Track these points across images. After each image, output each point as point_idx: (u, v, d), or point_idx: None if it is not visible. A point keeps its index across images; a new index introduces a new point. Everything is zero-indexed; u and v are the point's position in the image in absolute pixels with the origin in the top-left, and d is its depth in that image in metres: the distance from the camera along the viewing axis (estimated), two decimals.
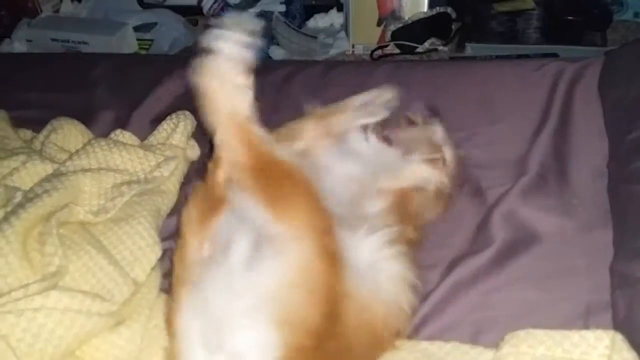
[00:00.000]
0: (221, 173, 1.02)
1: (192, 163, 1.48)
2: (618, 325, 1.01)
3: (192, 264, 0.98)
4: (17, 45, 2.51)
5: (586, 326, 1.02)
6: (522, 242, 1.20)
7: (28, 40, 2.52)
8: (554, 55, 2.15)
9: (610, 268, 1.10)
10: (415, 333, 1.07)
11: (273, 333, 0.86)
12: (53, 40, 2.46)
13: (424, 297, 1.12)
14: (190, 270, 0.97)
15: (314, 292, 0.87)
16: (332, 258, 0.90)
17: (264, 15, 2.64)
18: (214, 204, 1.01)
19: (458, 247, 1.23)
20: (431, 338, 1.06)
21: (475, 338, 1.06)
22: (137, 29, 2.59)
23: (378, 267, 1.01)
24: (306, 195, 0.93)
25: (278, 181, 0.93)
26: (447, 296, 1.13)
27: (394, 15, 2.53)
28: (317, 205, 0.93)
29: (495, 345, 0.97)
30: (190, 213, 1.03)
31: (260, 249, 0.91)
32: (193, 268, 0.97)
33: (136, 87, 1.71)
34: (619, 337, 0.90)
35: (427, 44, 2.52)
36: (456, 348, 1.02)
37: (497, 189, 1.31)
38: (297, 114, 1.44)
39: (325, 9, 2.74)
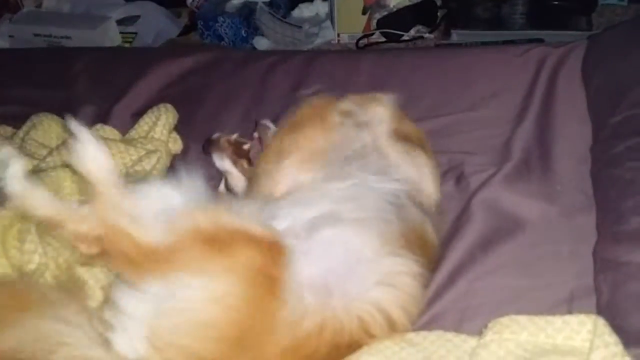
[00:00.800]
0: None
1: (175, 156, 1.46)
2: (601, 309, 1.01)
3: None
4: None
5: (570, 311, 1.02)
6: (505, 228, 1.19)
7: (10, 36, 2.49)
8: (540, 41, 2.15)
9: (593, 252, 1.10)
10: None
11: None
12: (36, 35, 2.44)
13: None
14: None
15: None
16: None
17: (248, 5, 2.62)
18: None
19: (443, 235, 1.22)
20: (417, 329, 1.05)
21: (459, 326, 1.05)
22: (120, 22, 2.57)
23: None
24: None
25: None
26: (435, 288, 1.12)
27: (379, 4, 2.52)
28: None
29: (479, 332, 0.97)
30: None
31: None
32: None
33: (117, 80, 1.70)
34: (601, 322, 0.90)
35: (412, 32, 2.51)
36: (440, 337, 1.02)
37: (480, 175, 1.31)
38: (281, 105, 1.45)
39: None
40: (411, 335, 1.03)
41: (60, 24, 2.48)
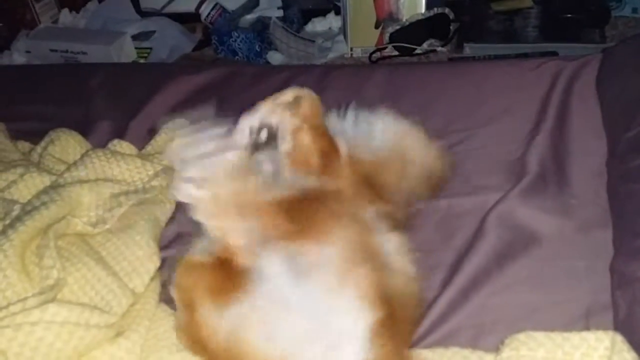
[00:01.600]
0: None
1: None
2: (619, 325, 1.00)
3: None
4: (17, 56, 2.52)
5: (587, 327, 1.01)
6: (521, 243, 1.19)
7: (27, 52, 2.53)
8: (553, 54, 2.15)
9: (610, 268, 1.09)
10: (417, 342, 1.06)
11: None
12: (52, 50, 2.47)
13: (427, 306, 1.11)
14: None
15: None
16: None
17: (262, 20, 2.64)
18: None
19: (458, 250, 1.22)
20: (433, 346, 1.05)
21: (475, 342, 1.05)
22: (135, 37, 2.60)
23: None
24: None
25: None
26: (449, 304, 1.11)
27: (392, 17, 2.53)
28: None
29: (496, 349, 0.97)
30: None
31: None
32: None
33: (133, 96, 1.71)
34: (619, 338, 0.90)
35: (425, 45, 2.52)
36: (457, 353, 1.01)
37: (495, 190, 1.30)
38: None
39: (323, 13, 2.74)
40: (427, 353, 1.03)
41: (76, 39, 2.51)
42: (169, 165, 1.38)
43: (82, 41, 2.48)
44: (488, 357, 0.99)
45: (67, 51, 2.46)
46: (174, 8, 2.79)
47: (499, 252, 1.18)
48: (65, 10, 2.74)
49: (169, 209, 1.33)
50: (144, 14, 2.79)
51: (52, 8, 2.71)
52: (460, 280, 1.15)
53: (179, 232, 1.30)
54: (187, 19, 2.78)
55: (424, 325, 1.08)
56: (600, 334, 0.91)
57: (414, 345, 1.05)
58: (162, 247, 1.25)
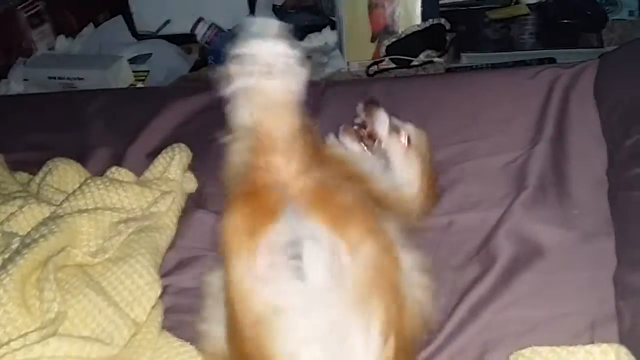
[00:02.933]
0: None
1: (190, 195, 1.47)
2: (623, 336, 0.99)
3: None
4: (14, 85, 2.52)
5: (592, 339, 1.00)
6: (525, 257, 1.18)
7: (25, 80, 2.53)
8: (551, 60, 2.14)
9: (614, 278, 1.08)
10: None
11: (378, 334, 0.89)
12: (50, 78, 2.48)
13: (437, 328, 1.10)
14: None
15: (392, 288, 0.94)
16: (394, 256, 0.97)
17: None
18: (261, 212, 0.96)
19: (463, 267, 1.21)
20: None
21: (482, 359, 1.04)
22: (132, 60, 2.60)
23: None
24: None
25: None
26: (455, 324, 1.10)
27: (388, 30, 2.53)
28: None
29: None
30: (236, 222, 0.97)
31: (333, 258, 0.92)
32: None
33: (131, 121, 1.72)
34: (623, 351, 0.89)
35: (422, 57, 2.51)
36: None
37: (496, 203, 1.30)
38: None
39: (319, 28, 2.74)
40: None
41: (73, 65, 2.51)
42: (167, 191, 1.37)
43: (78, 67, 2.48)
44: None
45: (64, 78, 2.46)
46: (169, 30, 2.80)
47: (504, 267, 1.17)
48: (62, 37, 2.74)
49: (169, 235, 1.33)
50: (139, 36, 2.79)
51: (48, 35, 2.72)
52: (468, 298, 1.14)
53: (180, 259, 1.30)
54: (183, 41, 2.78)
55: (434, 345, 1.07)
56: (605, 347, 0.90)
57: None
58: (163, 275, 1.25)
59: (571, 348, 0.92)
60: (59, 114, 1.82)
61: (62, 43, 2.75)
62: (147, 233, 1.29)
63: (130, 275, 1.19)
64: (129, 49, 2.64)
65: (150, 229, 1.31)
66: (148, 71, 2.56)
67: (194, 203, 1.44)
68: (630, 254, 1.09)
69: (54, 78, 2.48)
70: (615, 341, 0.94)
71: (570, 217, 1.23)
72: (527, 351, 0.94)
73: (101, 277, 1.19)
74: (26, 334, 1.00)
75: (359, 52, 2.54)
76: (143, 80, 2.55)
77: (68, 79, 2.45)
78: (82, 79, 2.43)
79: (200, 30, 2.67)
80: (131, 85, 2.51)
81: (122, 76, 2.48)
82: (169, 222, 1.36)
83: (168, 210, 1.35)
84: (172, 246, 1.33)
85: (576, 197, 1.27)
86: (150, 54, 2.64)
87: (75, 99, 1.95)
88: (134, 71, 2.56)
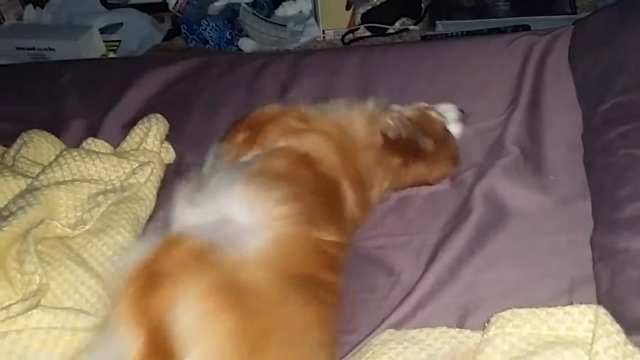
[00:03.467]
0: None
1: (169, 166, 1.46)
2: (601, 297, 1.01)
3: None
4: None
5: (571, 301, 1.02)
6: (502, 221, 1.20)
7: None
8: (525, 27, 2.15)
9: (591, 241, 1.10)
10: (404, 323, 1.07)
11: None
12: (18, 48, 2.42)
13: (411, 287, 1.12)
14: None
15: None
16: None
17: (231, 7, 2.61)
18: None
19: (440, 230, 1.23)
20: (420, 326, 1.05)
21: (462, 321, 1.06)
22: (102, 30, 2.55)
23: None
24: None
25: None
26: (434, 283, 1.12)
27: None
28: None
29: (482, 326, 0.97)
30: None
31: None
32: None
33: (105, 92, 1.69)
34: (602, 311, 0.90)
35: (397, 25, 2.51)
36: (444, 333, 1.02)
37: (474, 170, 1.31)
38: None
39: None
40: (414, 333, 1.03)
41: (42, 35, 2.46)
42: (145, 162, 1.36)
43: (48, 37, 2.43)
44: (475, 336, 1.00)
45: (33, 48, 2.41)
46: None
47: (481, 229, 1.19)
48: (30, 7, 2.68)
49: (149, 206, 1.33)
50: (110, 6, 2.74)
51: (15, 5, 2.65)
52: (444, 259, 1.16)
53: None
54: (154, 9, 2.73)
55: (410, 305, 1.09)
56: (584, 307, 0.92)
57: (400, 325, 1.06)
58: None
59: (550, 309, 0.93)
60: (31, 85, 1.79)
61: (30, 13, 2.68)
62: (127, 204, 1.28)
63: (111, 247, 1.18)
64: (100, 18, 2.60)
65: (129, 200, 1.30)
66: (120, 41, 2.53)
67: (173, 174, 1.43)
68: (606, 217, 1.11)
69: (23, 49, 2.42)
70: (593, 302, 0.95)
71: (547, 182, 1.25)
72: (507, 313, 0.95)
73: (82, 249, 1.18)
74: (8, 306, 0.99)
75: (334, 21, 2.53)
76: (115, 50, 2.51)
77: (38, 49, 2.40)
78: (52, 49, 2.39)
79: None
80: (103, 55, 2.46)
81: (94, 46, 2.44)
82: (149, 193, 1.35)
83: (147, 181, 1.34)
84: (152, 217, 1.32)
85: (552, 162, 1.29)
86: (122, 23, 2.60)
87: (47, 70, 1.91)
88: (105, 41, 2.52)
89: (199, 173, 1.22)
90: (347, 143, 1.24)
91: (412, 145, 1.28)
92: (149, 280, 0.88)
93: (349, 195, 1.20)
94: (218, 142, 1.29)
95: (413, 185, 1.32)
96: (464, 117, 1.40)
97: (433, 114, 1.36)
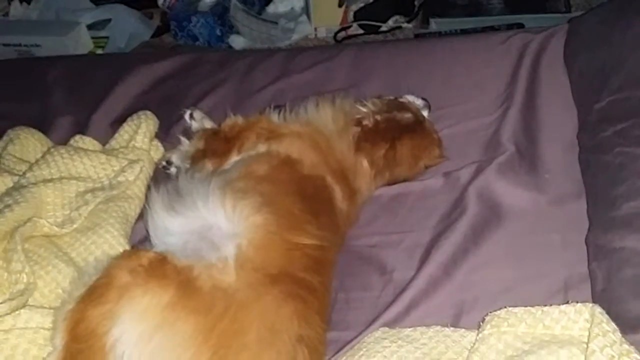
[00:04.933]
0: None
1: (157, 164, 1.44)
2: (597, 296, 1.01)
3: None
4: None
5: (566, 300, 1.01)
6: (496, 219, 1.19)
7: None
8: (519, 25, 2.15)
9: (586, 240, 1.10)
10: (398, 321, 1.06)
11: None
12: (5, 45, 2.39)
13: (404, 285, 1.11)
14: None
15: None
16: None
17: (222, 3, 2.59)
18: None
19: (434, 229, 1.22)
20: (414, 324, 1.04)
21: (457, 319, 1.06)
22: (90, 26, 2.52)
23: None
24: None
25: None
26: (428, 282, 1.11)
27: None
28: None
29: (477, 326, 0.97)
30: None
31: None
32: None
33: (94, 89, 1.67)
34: (598, 310, 0.90)
35: (390, 22, 2.50)
36: (438, 332, 1.01)
37: (469, 168, 1.30)
38: (261, 106, 1.43)
39: None
40: (408, 331, 1.03)
41: (29, 32, 2.43)
42: (134, 160, 1.34)
43: (35, 33, 2.40)
44: (470, 335, 0.99)
45: (20, 45, 2.38)
46: None
47: (475, 228, 1.19)
48: (16, 2, 2.64)
49: (138, 204, 1.30)
50: (98, 1, 2.70)
51: (1, 1, 2.62)
52: (438, 258, 1.15)
53: None
54: (143, 5, 2.71)
55: (403, 304, 1.09)
56: (580, 306, 0.92)
57: (394, 324, 1.05)
58: (134, 245, 1.22)
59: (546, 308, 0.93)
60: (17, 81, 1.75)
61: (16, 8, 2.64)
62: (116, 203, 1.26)
63: (99, 246, 1.16)
64: (88, 14, 2.56)
65: (118, 198, 1.28)
66: (108, 37, 2.50)
67: (162, 172, 1.41)
68: (601, 216, 1.10)
69: (9, 45, 2.39)
70: (588, 301, 0.94)
71: (542, 180, 1.25)
72: (502, 312, 0.94)
73: (70, 248, 1.16)
74: None
75: (327, 18, 2.52)
76: (103, 47, 2.48)
77: (24, 45, 2.37)
78: (39, 45, 2.36)
79: None
80: (91, 52, 2.43)
81: (82, 43, 2.41)
82: (138, 191, 1.32)
83: (136, 180, 1.32)
84: (142, 216, 1.30)
85: (547, 160, 1.28)
86: (110, 19, 2.56)
87: (34, 66, 1.87)
88: (93, 37, 2.49)
89: (173, 179, 1.24)
90: (323, 139, 1.26)
91: (392, 124, 1.29)
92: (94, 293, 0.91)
93: (336, 190, 1.21)
94: (191, 149, 1.33)
95: (406, 176, 1.31)
96: (429, 106, 1.40)
97: (402, 99, 1.38)
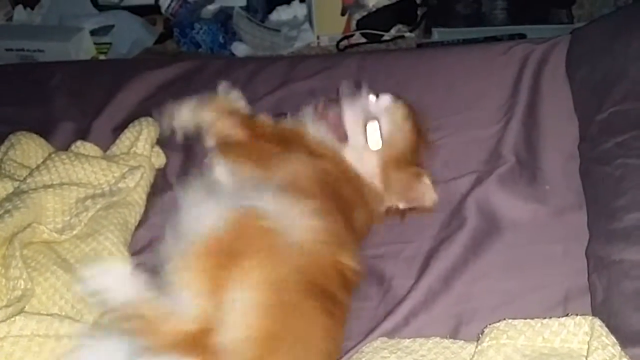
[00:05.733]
0: None
1: (159, 171, 1.44)
2: (596, 309, 1.00)
3: None
4: None
5: (566, 312, 1.01)
6: (496, 230, 1.19)
7: None
8: (522, 36, 2.15)
9: (586, 252, 1.10)
10: (397, 331, 1.06)
11: None
12: (7, 50, 2.39)
13: (403, 296, 1.11)
14: None
15: None
16: None
17: (225, 10, 2.59)
18: None
19: (433, 239, 1.22)
20: (413, 335, 1.04)
21: (456, 331, 1.05)
22: (93, 32, 2.53)
23: None
24: None
25: None
26: (427, 293, 1.11)
27: (358, 4, 2.51)
28: None
29: (476, 337, 0.96)
30: None
31: None
32: None
33: (95, 95, 1.66)
34: (597, 323, 0.89)
35: (393, 31, 2.50)
36: (437, 344, 1.01)
37: (469, 178, 1.30)
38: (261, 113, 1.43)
39: (288, 1, 2.70)
40: (408, 342, 1.02)
41: (32, 37, 2.43)
42: (135, 166, 1.34)
43: (38, 39, 2.41)
44: (469, 347, 0.98)
45: (23, 50, 2.39)
46: (132, 0, 2.72)
47: (475, 239, 1.18)
48: (20, 7, 2.65)
49: (138, 211, 1.30)
50: (101, 7, 2.71)
51: (5, 5, 2.63)
52: (438, 269, 1.14)
53: (151, 237, 1.26)
54: (147, 12, 2.71)
55: (402, 314, 1.08)
56: (579, 319, 0.91)
57: (393, 334, 1.04)
58: (134, 253, 1.22)
59: (545, 321, 0.92)
60: (19, 86, 1.75)
61: (20, 14, 2.66)
62: (116, 209, 1.26)
63: (98, 253, 1.16)
64: (91, 20, 2.57)
65: (118, 205, 1.27)
66: (111, 43, 2.50)
67: (163, 179, 1.41)
68: (602, 228, 1.10)
69: (12, 50, 2.40)
70: (588, 314, 0.94)
71: (542, 191, 1.24)
72: (501, 324, 0.94)
73: (69, 254, 1.16)
74: None
75: (329, 26, 2.52)
76: (105, 53, 2.49)
77: (27, 50, 2.38)
78: (42, 51, 2.36)
79: (165, 1, 2.61)
80: (93, 57, 2.44)
81: (84, 48, 2.41)
82: (138, 198, 1.32)
83: (137, 186, 1.32)
84: (142, 224, 1.30)
85: (548, 171, 1.28)
86: (113, 25, 2.58)
87: (36, 71, 1.88)
88: (95, 43, 2.50)
89: (203, 179, 1.21)
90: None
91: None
92: (219, 257, 0.96)
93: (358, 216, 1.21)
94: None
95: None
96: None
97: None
